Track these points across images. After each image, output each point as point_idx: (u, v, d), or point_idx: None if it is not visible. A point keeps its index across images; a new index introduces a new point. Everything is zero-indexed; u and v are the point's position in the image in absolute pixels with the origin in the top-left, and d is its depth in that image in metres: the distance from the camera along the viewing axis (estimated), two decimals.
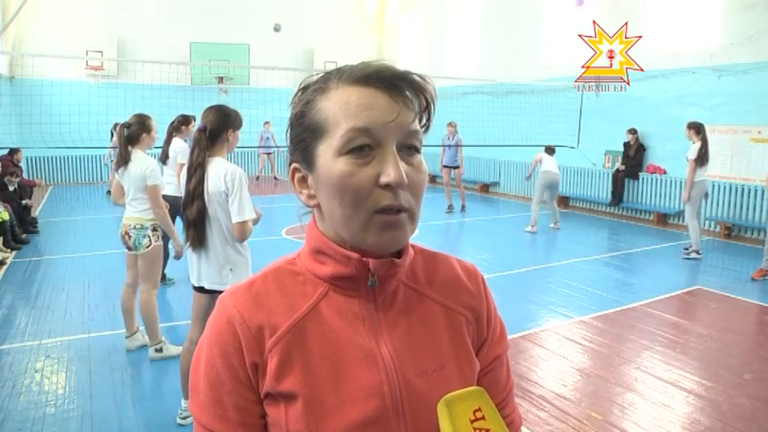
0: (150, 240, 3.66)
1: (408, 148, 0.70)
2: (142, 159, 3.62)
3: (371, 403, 0.70)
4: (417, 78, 0.71)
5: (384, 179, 0.67)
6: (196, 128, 2.75)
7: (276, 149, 13.71)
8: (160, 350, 3.74)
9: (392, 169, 0.66)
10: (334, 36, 15.26)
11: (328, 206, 0.71)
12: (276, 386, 0.70)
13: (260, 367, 0.71)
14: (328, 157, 0.69)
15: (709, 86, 8.35)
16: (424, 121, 0.73)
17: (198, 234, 2.69)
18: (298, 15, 14.90)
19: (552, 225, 8.42)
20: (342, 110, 0.68)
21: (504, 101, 11.67)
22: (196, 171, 2.66)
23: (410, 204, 0.69)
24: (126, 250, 3.78)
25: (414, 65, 14.08)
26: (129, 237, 3.66)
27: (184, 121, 5.07)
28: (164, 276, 5.20)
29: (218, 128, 2.73)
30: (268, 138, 13.21)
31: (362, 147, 0.67)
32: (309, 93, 0.73)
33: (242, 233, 2.66)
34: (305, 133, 0.72)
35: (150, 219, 3.66)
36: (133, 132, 3.63)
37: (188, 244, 2.73)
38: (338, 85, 0.70)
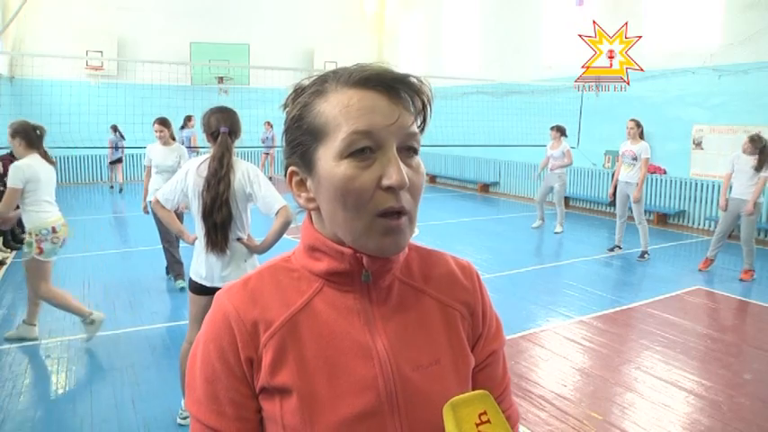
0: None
1: (408, 150, 0.70)
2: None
3: (366, 397, 0.70)
4: (415, 81, 0.72)
5: (386, 181, 0.67)
6: (220, 132, 2.72)
7: (275, 149, 13.69)
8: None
9: (394, 172, 0.67)
10: (334, 36, 15.25)
11: (329, 210, 0.71)
12: (271, 380, 0.71)
13: (255, 362, 0.71)
14: (329, 161, 0.69)
15: (709, 86, 8.35)
16: (420, 122, 0.73)
17: (225, 237, 2.69)
18: (298, 15, 14.90)
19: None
20: (342, 113, 0.68)
21: (504, 101, 11.67)
22: (225, 176, 2.66)
23: (410, 206, 0.70)
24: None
25: (414, 65, 14.15)
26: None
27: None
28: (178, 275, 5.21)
29: (237, 130, 2.78)
30: (268, 138, 13.21)
31: (364, 149, 0.67)
32: (306, 96, 0.72)
33: (288, 215, 2.68)
34: (303, 137, 0.72)
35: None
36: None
37: (209, 248, 2.70)
38: (336, 88, 0.70)
